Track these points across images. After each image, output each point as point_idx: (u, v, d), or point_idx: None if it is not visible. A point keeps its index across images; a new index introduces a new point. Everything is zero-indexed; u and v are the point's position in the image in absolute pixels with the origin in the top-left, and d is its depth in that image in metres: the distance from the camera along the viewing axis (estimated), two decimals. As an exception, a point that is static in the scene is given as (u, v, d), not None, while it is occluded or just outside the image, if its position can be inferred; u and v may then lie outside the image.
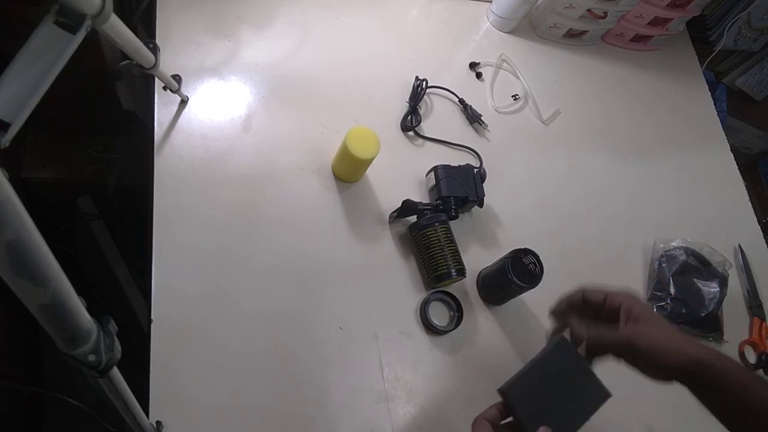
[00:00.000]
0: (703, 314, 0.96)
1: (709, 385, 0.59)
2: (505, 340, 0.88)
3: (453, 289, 0.89)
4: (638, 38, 1.25)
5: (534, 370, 0.64)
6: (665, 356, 0.60)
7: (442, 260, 0.85)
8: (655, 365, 0.61)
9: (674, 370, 0.60)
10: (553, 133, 1.10)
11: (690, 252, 1.01)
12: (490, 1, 1.17)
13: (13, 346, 1.16)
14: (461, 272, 0.85)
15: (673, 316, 0.95)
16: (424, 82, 1.03)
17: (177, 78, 0.86)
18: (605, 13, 1.14)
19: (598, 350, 0.64)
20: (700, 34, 1.35)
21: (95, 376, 0.43)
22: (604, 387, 0.64)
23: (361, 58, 1.04)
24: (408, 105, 1.02)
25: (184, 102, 0.89)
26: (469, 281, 0.91)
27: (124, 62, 0.72)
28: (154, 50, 0.72)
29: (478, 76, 1.11)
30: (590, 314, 0.67)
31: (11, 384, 1.03)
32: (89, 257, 1.30)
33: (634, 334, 0.61)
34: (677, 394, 0.79)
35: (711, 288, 0.98)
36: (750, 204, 1.17)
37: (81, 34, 0.49)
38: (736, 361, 0.62)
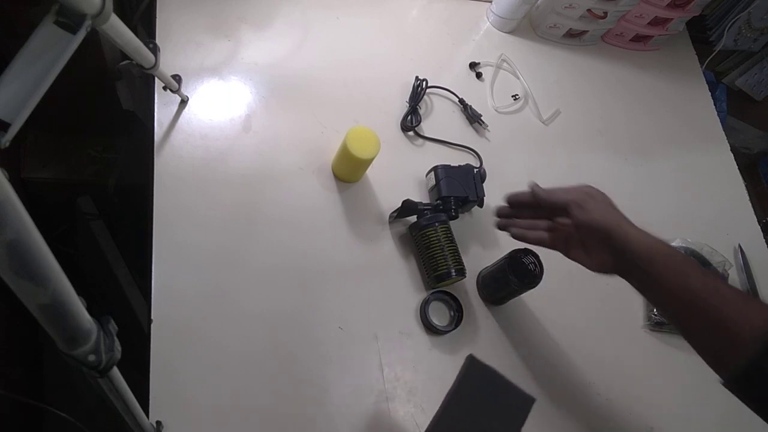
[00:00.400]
0: (703, 314, 0.96)
1: (649, 270, 0.61)
2: (505, 340, 0.88)
3: (453, 289, 0.89)
4: (638, 38, 1.25)
5: (453, 402, 0.62)
6: (606, 228, 0.65)
7: (442, 260, 0.85)
8: (595, 235, 0.66)
9: (614, 250, 0.65)
10: (553, 133, 1.10)
11: (690, 252, 1.01)
12: (490, 1, 1.17)
13: (13, 346, 1.16)
14: (461, 272, 0.85)
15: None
16: (424, 82, 1.03)
17: (177, 78, 0.86)
18: (605, 13, 1.14)
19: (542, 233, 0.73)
20: (700, 34, 1.35)
21: (95, 376, 0.43)
22: (525, 393, 0.62)
23: (361, 58, 1.04)
24: (408, 105, 1.02)
25: (184, 102, 0.89)
26: (469, 281, 0.91)
27: (124, 62, 0.72)
28: (154, 50, 0.72)
29: (478, 76, 1.11)
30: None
31: (12, 395, 1.03)
32: (89, 257, 1.30)
33: (586, 205, 0.67)
34: (677, 394, 0.80)
35: (711, 288, 0.98)
36: (750, 204, 1.17)
37: (81, 34, 0.49)
38: (678, 250, 0.64)
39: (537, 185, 0.75)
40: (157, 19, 0.94)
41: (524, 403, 0.62)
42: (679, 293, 0.60)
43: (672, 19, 1.18)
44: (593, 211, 0.67)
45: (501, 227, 0.79)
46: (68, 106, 1.09)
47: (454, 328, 0.85)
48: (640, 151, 1.15)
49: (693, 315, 0.60)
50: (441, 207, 0.89)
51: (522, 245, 0.84)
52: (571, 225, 0.70)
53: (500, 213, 0.80)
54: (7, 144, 0.44)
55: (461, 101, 1.06)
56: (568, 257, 0.72)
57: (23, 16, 0.87)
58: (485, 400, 0.62)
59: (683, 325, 0.62)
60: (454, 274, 0.84)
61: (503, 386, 0.63)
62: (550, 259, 0.84)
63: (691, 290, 0.59)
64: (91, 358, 0.42)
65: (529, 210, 0.77)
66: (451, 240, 0.87)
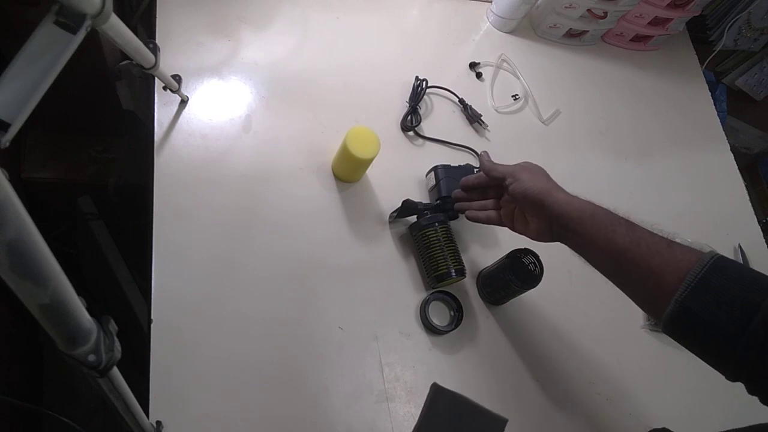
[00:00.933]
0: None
1: (579, 230, 0.65)
2: (505, 340, 0.88)
3: (453, 289, 0.89)
4: (638, 38, 1.25)
5: (429, 421, 0.61)
6: (538, 195, 0.69)
7: (442, 260, 0.85)
8: (529, 203, 0.71)
9: (548, 216, 0.69)
10: (553, 133, 1.10)
11: (690, 252, 1.01)
12: (490, 1, 1.17)
13: (13, 346, 1.16)
14: (461, 272, 0.85)
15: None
16: (424, 82, 1.03)
17: (177, 78, 0.86)
18: (605, 13, 1.14)
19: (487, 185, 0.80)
20: (700, 34, 1.35)
21: (95, 376, 0.43)
22: (496, 415, 0.61)
23: (361, 58, 1.04)
24: (408, 105, 1.02)
25: (184, 102, 0.89)
26: (469, 281, 0.91)
27: (124, 62, 0.72)
28: (154, 50, 0.72)
29: (478, 76, 1.11)
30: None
31: (11, 399, 1.04)
32: (89, 257, 1.30)
33: (520, 176, 0.73)
34: (677, 394, 0.80)
35: (711, 288, 0.98)
36: (750, 204, 1.17)
37: (81, 34, 0.49)
38: (606, 209, 0.69)
39: (486, 153, 0.83)
40: (157, 19, 0.94)
41: (496, 425, 0.61)
42: (607, 249, 0.63)
43: (672, 19, 1.18)
44: (526, 181, 0.72)
45: (458, 210, 0.85)
46: (68, 106, 1.08)
47: (454, 328, 0.85)
48: (640, 151, 1.15)
49: (623, 268, 0.63)
50: (441, 207, 0.89)
51: (522, 245, 0.84)
52: (509, 199, 0.76)
53: (456, 196, 0.86)
54: (7, 144, 0.44)
55: (461, 101, 1.06)
56: (514, 231, 0.77)
57: (23, 16, 0.87)
58: (455, 428, 0.61)
59: (617, 280, 0.65)
60: (454, 274, 0.84)
61: (472, 411, 0.62)
62: (550, 259, 0.84)
63: (617, 244, 0.63)
64: (91, 358, 0.42)
65: (479, 192, 0.83)
66: (451, 240, 0.87)
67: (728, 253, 1.08)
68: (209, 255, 0.81)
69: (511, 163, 0.77)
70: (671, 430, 0.69)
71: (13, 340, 1.15)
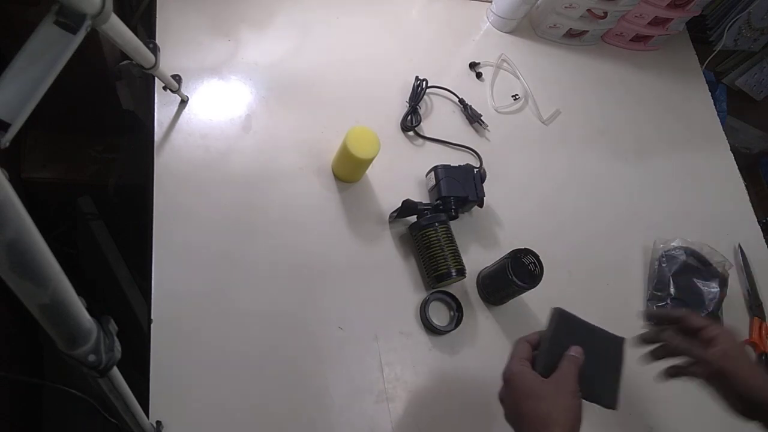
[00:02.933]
0: (703, 314, 0.96)
1: None
2: (505, 340, 0.88)
3: (453, 289, 0.89)
4: (638, 38, 1.25)
5: (589, 328, 0.67)
6: (748, 387, 0.62)
7: (442, 260, 0.85)
8: (735, 393, 0.64)
9: (755, 403, 0.62)
10: (553, 133, 1.10)
11: (690, 252, 1.01)
12: (490, 1, 1.17)
13: (13, 346, 1.16)
14: (461, 272, 0.85)
15: (673, 316, 0.96)
16: (424, 82, 1.03)
17: (177, 78, 0.86)
18: (605, 13, 1.14)
19: (686, 370, 0.68)
20: (700, 34, 1.35)
21: (95, 376, 0.43)
22: (615, 335, 0.66)
23: (361, 58, 1.04)
24: (408, 105, 1.02)
25: (184, 102, 0.89)
26: (469, 281, 0.91)
27: (124, 62, 0.72)
28: (154, 50, 0.72)
29: (478, 76, 1.11)
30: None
31: (12, 375, 1.03)
32: (89, 257, 1.30)
33: (724, 357, 0.64)
34: (677, 394, 0.80)
35: (711, 288, 0.98)
36: (750, 204, 1.17)
37: (81, 34, 0.49)
38: None
39: (690, 313, 0.70)
40: (157, 19, 0.94)
41: (616, 344, 0.67)
42: None
43: (672, 19, 1.18)
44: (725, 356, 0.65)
45: (657, 357, 0.71)
46: (68, 106, 1.08)
47: (454, 328, 0.85)
48: (640, 151, 1.16)
49: None
50: (441, 207, 0.89)
51: (522, 245, 0.84)
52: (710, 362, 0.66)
53: (646, 339, 0.72)
54: (7, 144, 0.44)
55: (461, 101, 1.06)
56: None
57: (23, 16, 0.87)
58: (602, 358, 0.65)
59: None
60: (454, 274, 0.84)
61: (593, 332, 0.67)
62: (551, 259, 0.84)
63: None
64: (91, 358, 0.42)
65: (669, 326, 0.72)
66: (451, 240, 0.87)
67: (728, 252, 1.08)
68: (209, 255, 0.81)
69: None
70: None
71: (13, 340, 1.15)
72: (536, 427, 0.58)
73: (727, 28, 1.29)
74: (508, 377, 0.63)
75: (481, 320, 0.89)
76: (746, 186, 1.20)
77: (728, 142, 1.23)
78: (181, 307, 0.76)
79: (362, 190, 0.93)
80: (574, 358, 0.63)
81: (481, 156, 1.01)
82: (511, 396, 0.62)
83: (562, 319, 0.66)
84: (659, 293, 0.97)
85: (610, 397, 0.65)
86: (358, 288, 0.85)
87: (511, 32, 1.19)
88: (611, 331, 0.68)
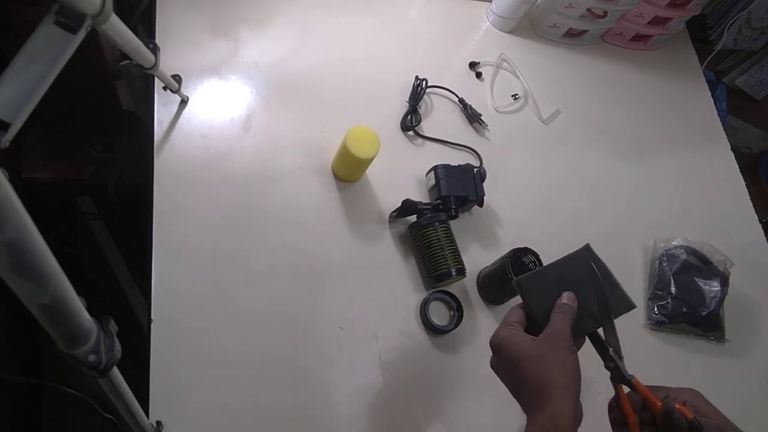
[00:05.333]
0: (704, 313, 0.96)
1: None
2: (505, 339, 0.88)
3: (453, 288, 0.89)
4: (638, 37, 1.24)
5: (553, 269, 0.62)
6: None
7: (442, 260, 0.85)
8: None
9: None
10: (553, 133, 1.10)
11: (691, 251, 1.01)
12: (490, 1, 1.17)
13: (13, 346, 1.16)
14: (461, 272, 0.85)
15: (673, 315, 0.95)
16: (424, 82, 1.03)
17: (177, 78, 0.86)
18: (605, 13, 1.14)
19: None
20: (700, 33, 1.35)
21: (95, 376, 0.43)
22: (628, 297, 0.60)
23: (361, 58, 1.04)
24: (408, 105, 1.02)
25: (184, 102, 0.89)
26: (469, 281, 0.91)
27: (124, 62, 0.72)
28: (154, 50, 0.72)
29: (478, 75, 1.11)
30: (649, 418, 0.58)
31: (12, 375, 1.03)
32: (89, 257, 1.30)
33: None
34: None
35: (712, 287, 0.98)
36: (750, 203, 1.17)
37: (81, 34, 0.49)
38: None
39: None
40: (157, 19, 0.94)
41: (623, 303, 0.60)
42: None
43: (672, 18, 1.18)
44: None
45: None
46: (68, 106, 1.08)
47: (454, 328, 0.85)
48: (641, 150, 1.15)
49: None
50: (441, 206, 0.89)
51: (522, 244, 0.84)
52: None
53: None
54: (7, 144, 0.44)
55: (461, 101, 1.06)
56: None
57: (23, 16, 0.87)
58: (584, 282, 0.60)
59: None
60: (454, 273, 0.84)
61: (609, 281, 0.60)
62: (551, 258, 0.84)
63: None
64: (91, 358, 0.42)
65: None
66: (451, 239, 0.87)
67: (729, 251, 1.08)
68: (209, 255, 0.81)
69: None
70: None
71: (13, 340, 1.15)
72: (533, 391, 0.54)
73: (727, 28, 1.29)
74: (495, 344, 0.59)
75: (481, 320, 0.89)
76: (746, 185, 1.19)
77: (728, 141, 1.23)
78: (181, 306, 0.76)
79: (362, 190, 0.93)
80: (565, 306, 0.58)
81: (481, 156, 1.01)
82: (503, 362, 0.58)
83: (527, 279, 0.62)
84: (660, 292, 0.97)
85: (622, 302, 0.60)
86: (358, 288, 0.85)
87: (511, 32, 1.19)
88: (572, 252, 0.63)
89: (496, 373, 0.60)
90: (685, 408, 0.54)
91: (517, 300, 0.89)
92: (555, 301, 0.59)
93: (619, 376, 0.59)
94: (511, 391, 0.58)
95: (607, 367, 0.59)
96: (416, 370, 0.82)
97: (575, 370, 0.54)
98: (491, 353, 0.60)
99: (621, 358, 0.59)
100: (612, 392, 0.59)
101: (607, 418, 0.61)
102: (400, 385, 0.81)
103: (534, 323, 0.60)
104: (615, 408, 0.60)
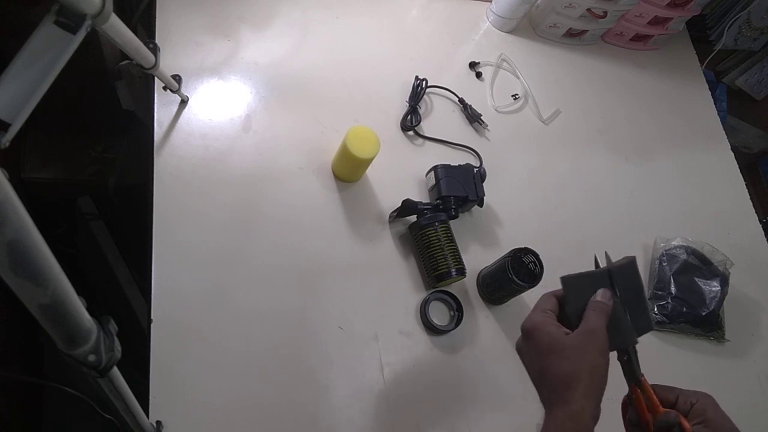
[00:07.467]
0: (704, 313, 0.96)
1: None
2: (505, 339, 0.88)
3: (453, 288, 0.89)
4: (638, 38, 1.24)
5: (599, 275, 0.61)
6: None
7: (442, 260, 0.85)
8: None
9: None
10: (553, 133, 1.10)
11: (691, 251, 1.01)
12: (490, 1, 1.17)
13: (13, 346, 1.16)
14: (461, 272, 0.85)
15: (673, 315, 0.95)
16: (424, 82, 1.03)
17: (177, 78, 0.86)
18: (605, 13, 1.14)
19: None
20: (700, 33, 1.35)
21: (95, 376, 0.43)
22: (650, 318, 0.60)
23: (360, 58, 1.04)
24: (408, 105, 1.02)
25: (184, 102, 0.89)
26: (469, 281, 0.91)
27: (124, 62, 0.72)
28: (154, 50, 0.72)
29: (478, 75, 1.11)
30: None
31: (12, 375, 1.03)
32: (89, 257, 1.30)
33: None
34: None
35: (712, 287, 0.98)
36: (750, 203, 1.17)
37: (81, 34, 0.49)
38: None
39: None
40: (157, 19, 0.94)
41: (644, 324, 0.59)
42: None
43: (672, 18, 1.18)
44: None
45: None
46: (68, 106, 1.08)
47: (454, 328, 0.85)
48: (641, 150, 1.15)
49: None
50: (441, 206, 0.89)
51: (522, 244, 0.84)
52: None
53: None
54: (7, 144, 0.44)
55: (461, 101, 1.06)
56: None
57: (23, 16, 0.87)
58: (626, 293, 0.60)
59: None
60: (454, 273, 0.84)
61: (639, 297, 0.60)
62: (551, 258, 0.84)
63: None
64: (91, 358, 0.42)
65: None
66: (451, 239, 0.87)
67: (729, 251, 1.08)
68: (209, 255, 0.81)
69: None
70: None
71: (13, 341, 1.16)
72: (557, 386, 0.53)
73: (727, 28, 1.29)
74: (528, 328, 0.57)
75: (481, 320, 0.89)
76: (746, 185, 1.19)
77: (728, 141, 1.23)
78: (181, 307, 0.76)
79: (362, 190, 0.93)
80: (600, 304, 0.57)
81: (481, 155, 1.01)
82: (532, 350, 0.56)
83: (572, 278, 0.62)
84: (660, 292, 0.97)
85: (644, 322, 0.59)
86: (358, 288, 0.85)
87: (510, 32, 1.19)
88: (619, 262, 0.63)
89: (521, 356, 0.59)
90: (686, 420, 0.53)
91: (518, 300, 0.90)
92: (590, 298, 0.58)
93: (630, 371, 0.58)
94: (531, 378, 0.57)
95: (620, 360, 0.59)
96: (416, 370, 0.82)
97: (603, 373, 0.53)
98: (520, 335, 0.59)
99: (635, 351, 0.59)
100: (625, 390, 0.58)
101: (608, 421, 0.61)
102: (400, 385, 0.81)
103: (566, 316, 0.59)
104: (630, 407, 0.59)
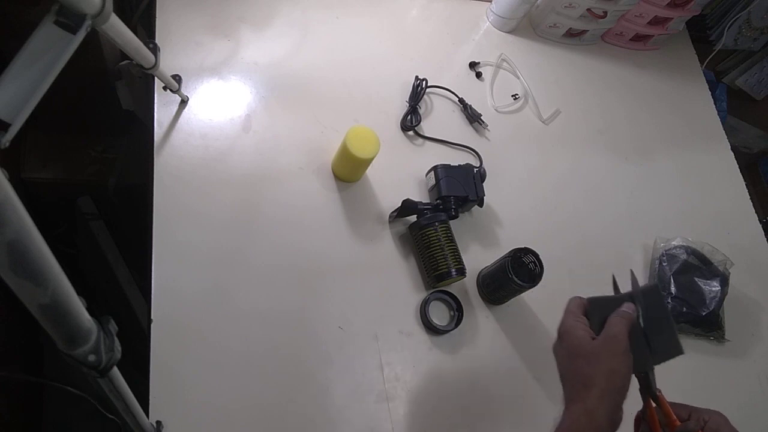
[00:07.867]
0: (704, 313, 0.96)
1: None
2: (505, 339, 0.88)
3: (453, 288, 0.89)
4: (638, 38, 1.24)
5: (623, 298, 0.63)
6: None
7: (442, 260, 0.85)
8: None
9: None
10: (553, 133, 1.10)
11: (691, 251, 1.01)
12: (490, 1, 1.17)
13: (13, 346, 1.16)
14: (461, 272, 0.85)
15: (674, 315, 0.95)
16: (424, 82, 1.03)
17: (177, 78, 0.86)
18: (605, 13, 1.14)
19: None
20: (700, 33, 1.35)
21: (95, 376, 0.43)
22: (678, 342, 0.61)
23: (360, 58, 1.04)
24: (408, 105, 1.02)
25: (184, 102, 0.89)
26: (469, 281, 0.91)
27: (124, 62, 0.72)
28: (154, 50, 0.72)
29: (478, 75, 1.11)
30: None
31: (12, 375, 1.04)
32: (89, 257, 1.30)
33: None
34: (677, 394, 0.79)
35: (712, 287, 0.98)
36: (750, 203, 1.17)
37: (81, 34, 0.49)
38: None
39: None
40: (157, 19, 0.94)
41: (673, 348, 0.60)
42: None
43: (672, 18, 1.18)
44: None
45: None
46: (68, 106, 1.08)
47: (454, 328, 0.85)
48: (641, 150, 1.15)
49: None
50: (441, 206, 0.89)
51: (522, 244, 0.84)
52: None
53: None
54: (7, 144, 0.44)
55: (461, 101, 1.06)
56: None
57: (23, 16, 0.87)
58: (645, 321, 0.62)
59: None
60: (454, 273, 0.84)
61: (666, 321, 0.62)
62: (550, 258, 0.84)
63: None
64: (91, 358, 0.42)
65: None
66: (451, 239, 0.87)
67: (729, 251, 1.08)
68: (209, 255, 0.81)
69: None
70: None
71: (13, 341, 1.16)
72: (577, 385, 0.57)
73: (727, 28, 1.29)
74: (561, 332, 0.62)
75: (481, 320, 0.89)
76: (746, 185, 1.20)
77: (728, 141, 1.23)
78: (181, 307, 0.76)
79: (362, 190, 0.93)
80: (625, 313, 0.60)
81: (481, 155, 1.01)
82: (563, 350, 0.61)
83: (653, 291, 0.63)
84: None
85: (674, 346, 0.60)
86: (358, 288, 0.85)
87: (510, 32, 1.19)
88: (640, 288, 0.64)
89: (555, 356, 0.63)
90: None
91: (518, 300, 0.90)
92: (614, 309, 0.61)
93: (646, 386, 0.61)
94: (560, 377, 0.61)
95: (637, 375, 0.61)
96: (416, 370, 0.82)
97: (623, 377, 0.56)
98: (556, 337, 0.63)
99: (653, 368, 0.61)
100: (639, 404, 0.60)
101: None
102: (400, 385, 0.81)
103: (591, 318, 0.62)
104: (643, 422, 0.62)
